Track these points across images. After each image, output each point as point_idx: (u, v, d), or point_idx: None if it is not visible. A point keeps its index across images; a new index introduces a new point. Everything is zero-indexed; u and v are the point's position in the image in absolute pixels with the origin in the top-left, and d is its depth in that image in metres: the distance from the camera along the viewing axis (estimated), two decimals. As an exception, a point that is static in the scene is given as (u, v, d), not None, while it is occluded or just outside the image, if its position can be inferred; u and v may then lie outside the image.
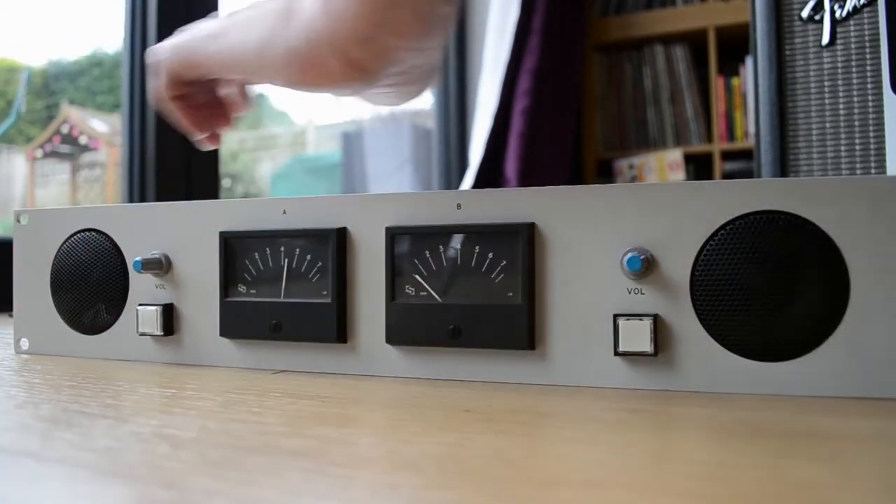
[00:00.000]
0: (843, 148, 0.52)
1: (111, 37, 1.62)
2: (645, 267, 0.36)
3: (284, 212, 0.44)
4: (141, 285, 0.47)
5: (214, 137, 0.50)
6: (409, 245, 0.41)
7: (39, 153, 1.58)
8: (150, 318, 0.46)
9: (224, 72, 0.44)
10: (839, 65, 0.52)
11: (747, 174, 1.85)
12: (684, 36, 1.94)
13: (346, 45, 0.37)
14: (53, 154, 1.61)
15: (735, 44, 1.32)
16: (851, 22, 0.52)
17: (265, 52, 0.39)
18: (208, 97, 0.48)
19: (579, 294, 0.38)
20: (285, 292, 0.43)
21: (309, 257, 0.43)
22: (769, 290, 0.34)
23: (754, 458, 0.25)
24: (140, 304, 0.47)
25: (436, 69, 0.41)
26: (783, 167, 0.54)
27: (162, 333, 0.46)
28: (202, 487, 0.23)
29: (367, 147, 2.15)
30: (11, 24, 1.28)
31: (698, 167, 2.05)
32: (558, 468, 0.25)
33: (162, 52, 0.45)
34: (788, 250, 0.34)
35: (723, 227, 0.35)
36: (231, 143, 2.24)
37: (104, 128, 1.67)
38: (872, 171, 0.51)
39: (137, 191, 1.22)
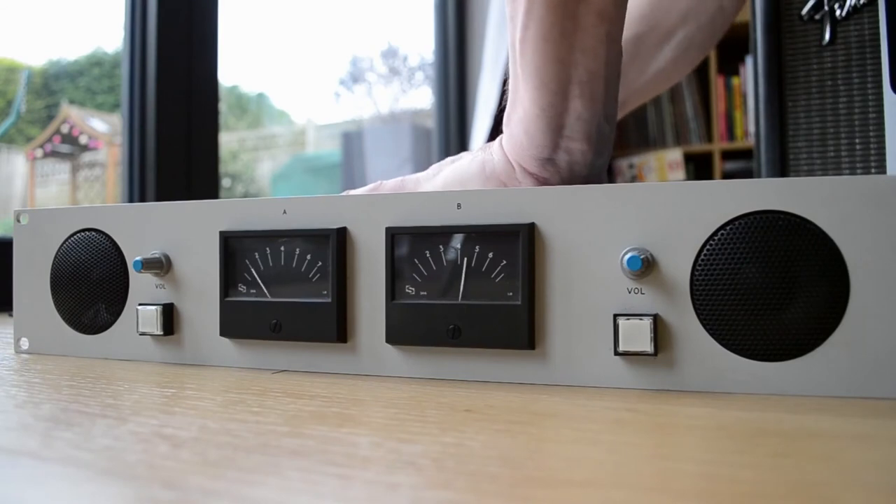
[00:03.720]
0: (843, 148, 0.52)
1: (111, 37, 1.63)
2: (645, 267, 0.36)
3: (284, 212, 0.44)
4: (141, 285, 0.47)
5: None
6: (409, 245, 0.41)
7: (39, 153, 1.58)
8: (150, 317, 0.46)
9: None
10: (839, 64, 0.52)
11: (747, 174, 1.85)
12: (684, 35, 1.94)
13: (530, 166, 0.46)
14: (53, 154, 1.61)
15: (735, 43, 1.32)
16: (851, 22, 0.52)
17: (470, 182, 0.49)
18: None
19: (579, 294, 0.38)
20: (285, 292, 0.43)
21: (309, 257, 0.43)
22: (769, 290, 0.34)
23: (754, 457, 0.25)
24: (140, 304, 0.47)
25: (604, 173, 0.48)
26: (783, 167, 0.54)
27: (162, 333, 0.46)
28: (202, 487, 0.23)
29: (367, 147, 2.15)
30: (11, 24, 1.28)
31: (698, 167, 2.05)
32: (558, 468, 0.25)
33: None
34: (788, 250, 0.34)
35: (723, 227, 0.35)
36: (231, 142, 2.24)
37: (104, 128, 1.67)
38: (872, 171, 0.51)
39: (137, 191, 1.22)
